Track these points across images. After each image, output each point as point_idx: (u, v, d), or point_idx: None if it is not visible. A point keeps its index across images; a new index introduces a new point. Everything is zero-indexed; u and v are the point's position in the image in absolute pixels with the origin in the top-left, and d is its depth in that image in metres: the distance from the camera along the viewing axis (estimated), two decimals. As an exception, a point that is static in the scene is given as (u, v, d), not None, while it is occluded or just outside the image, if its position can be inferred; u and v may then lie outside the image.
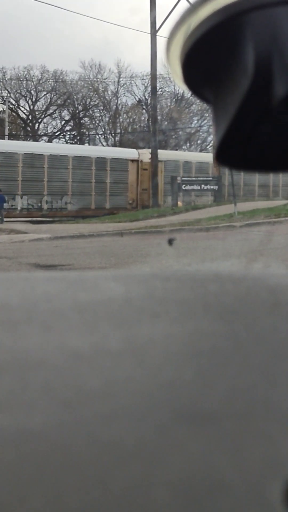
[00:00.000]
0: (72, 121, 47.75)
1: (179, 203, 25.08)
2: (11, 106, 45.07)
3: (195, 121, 46.60)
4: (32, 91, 46.37)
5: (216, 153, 0.62)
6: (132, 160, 28.53)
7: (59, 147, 29.34)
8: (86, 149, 30.25)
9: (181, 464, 0.37)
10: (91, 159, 27.49)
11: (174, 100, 47.24)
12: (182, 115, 46.05)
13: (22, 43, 59.26)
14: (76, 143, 44.68)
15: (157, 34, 24.22)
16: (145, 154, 28.54)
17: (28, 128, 46.97)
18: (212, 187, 25.23)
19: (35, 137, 44.90)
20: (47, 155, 26.00)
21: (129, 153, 29.42)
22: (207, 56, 0.59)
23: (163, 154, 28.52)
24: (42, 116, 47.21)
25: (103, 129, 48.22)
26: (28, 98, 46.67)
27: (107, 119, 47.92)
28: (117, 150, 30.63)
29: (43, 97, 46.71)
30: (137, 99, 47.98)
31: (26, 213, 25.73)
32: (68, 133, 48.17)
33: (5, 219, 22.46)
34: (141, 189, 28.14)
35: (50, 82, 46.17)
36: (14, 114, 46.11)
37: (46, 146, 28.06)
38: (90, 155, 27.74)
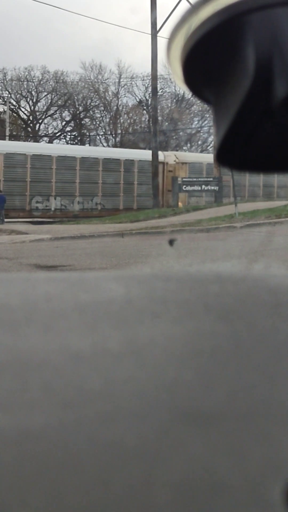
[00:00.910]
0: (72, 121, 47.76)
1: (180, 204, 25.12)
2: (12, 106, 45.09)
3: (196, 122, 46.64)
4: (32, 92, 46.41)
5: (217, 153, 0.63)
6: (158, 162, 28.81)
7: (90, 150, 30.15)
8: (115, 151, 30.98)
9: (181, 464, 0.37)
10: (120, 161, 28.15)
11: (174, 100, 47.27)
12: (183, 116, 46.06)
13: (22, 44, 59.31)
14: (76, 143, 44.68)
15: (158, 34, 24.22)
16: (170, 157, 29.33)
17: (29, 129, 46.98)
18: (212, 187, 25.24)
19: (36, 138, 44.90)
20: (79, 157, 26.76)
21: (155, 155, 29.82)
22: (208, 57, 0.59)
23: (187, 156, 29.18)
24: (43, 117, 47.24)
25: (103, 130, 48.26)
26: (28, 98, 46.72)
27: (107, 119, 47.96)
28: (144, 152, 31.19)
29: (43, 98, 46.77)
30: (138, 100, 48.02)
31: (59, 213, 26.37)
32: (69, 134, 48.22)
33: (41, 219, 22.85)
34: (166, 190, 28.59)
35: (50, 83, 46.22)
36: (15, 114, 46.12)
37: (78, 149, 29.18)
38: (119, 157, 28.41)
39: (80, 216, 25.62)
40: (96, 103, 47.73)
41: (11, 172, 25.52)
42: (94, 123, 48.56)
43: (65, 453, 0.38)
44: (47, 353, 0.56)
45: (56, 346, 0.59)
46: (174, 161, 29.16)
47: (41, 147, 28.29)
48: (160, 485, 0.35)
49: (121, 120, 48.03)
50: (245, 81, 0.56)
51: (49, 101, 46.68)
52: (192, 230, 14.87)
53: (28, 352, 0.57)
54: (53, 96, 46.45)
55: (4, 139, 36.03)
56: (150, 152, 25.83)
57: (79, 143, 44.68)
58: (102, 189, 27.35)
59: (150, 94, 34.31)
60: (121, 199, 28.02)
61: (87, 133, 48.08)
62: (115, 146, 42.85)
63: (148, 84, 43.18)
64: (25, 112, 47.23)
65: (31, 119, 47.11)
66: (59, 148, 28.86)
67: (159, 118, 35.73)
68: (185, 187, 24.94)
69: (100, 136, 47.57)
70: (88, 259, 10.23)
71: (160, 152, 29.60)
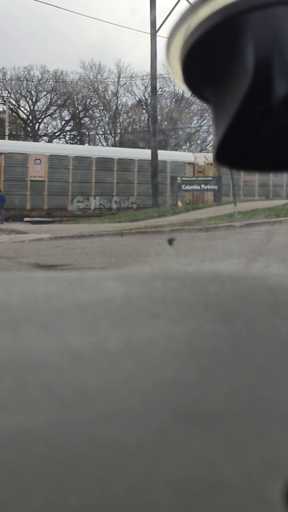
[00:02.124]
0: (72, 121, 47.77)
1: (179, 203, 25.17)
2: (12, 106, 45.09)
3: (195, 121, 46.65)
4: (32, 91, 46.42)
5: (216, 153, 0.62)
6: (189, 163, 30.58)
7: (126, 152, 31.35)
8: (149, 153, 31.86)
9: (181, 464, 0.37)
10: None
11: (174, 100, 47.27)
12: (182, 115, 46.06)
13: (22, 43, 59.29)
14: (76, 143, 44.68)
15: (157, 34, 24.22)
16: (200, 158, 30.80)
17: (28, 129, 46.98)
18: (212, 187, 25.28)
19: (36, 137, 44.90)
20: (116, 159, 27.90)
21: (186, 156, 31.73)
22: (207, 56, 0.59)
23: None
24: (42, 116, 47.25)
25: (103, 129, 48.26)
26: (28, 98, 46.73)
27: (107, 119, 47.96)
28: (175, 154, 33.05)
29: (43, 97, 46.79)
30: (137, 99, 48.03)
31: (98, 212, 27.36)
32: (68, 133, 48.21)
33: (80, 217, 23.79)
34: None
35: (50, 82, 46.23)
36: (14, 114, 46.12)
37: (115, 151, 30.65)
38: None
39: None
40: (96, 103, 47.78)
41: (54, 173, 26.67)
42: (94, 122, 48.60)
43: (65, 453, 0.38)
44: (46, 352, 0.56)
45: (56, 345, 0.59)
46: (204, 162, 30.48)
47: (82, 149, 29.78)
48: (160, 485, 0.35)
49: (121, 120, 48.06)
50: (245, 80, 0.56)
51: (49, 100, 46.74)
52: (191, 230, 14.87)
53: (27, 351, 0.57)
54: (52, 95, 46.50)
55: (3, 138, 36.32)
56: (180, 153, 26.74)
57: (78, 143, 44.66)
58: (137, 189, 28.41)
59: (150, 94, 34.37)
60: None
61: (87, 133, 48.09)
62: (114, 145, 42.84)
63: (147, 84, 43.22)
64: (25, 111, 47.29)
65: (30, 118, 47.11)
66: (98, 150, 30.16)
67: (159, 117, 35.79)
68: (184, 187, 24.97)
69: (100, 135, 47.60)
70: (88, 258, 10.23)
71: (190, 154, 31.90)
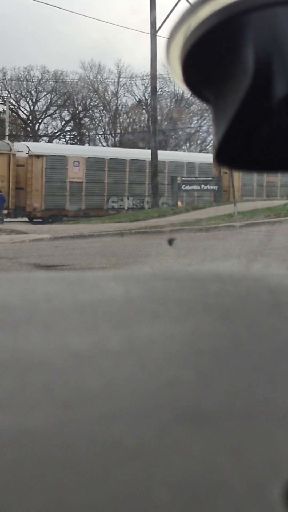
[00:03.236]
0: (72, 121, 47.76)
1: (179, 203, 25.20)
2: (12, 106, 45.09)
3: (195, 121, 46.64)
4: (32, 92, 46.41)
5: (216, 153, 0.62)
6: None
7: (158, 154, 32.35)
8: (179, 155, 33.77)
9: (181, 464, 0.37)
10: (183, 164, 30.36)
11: (174, 100, 47.26)
12: (182, 115, 46.06)
13: (22, 44, 59.28)
14: (76, 143, 44.69)
15: (157, 34, 24.21)
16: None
17: (28, 129, 46.98)
18: (212, 187, 25.30)
19: (36, 137, 44.90)
20: (148, 161, 28.50)
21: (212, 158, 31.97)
22: (207, 57, 0.59)
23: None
24: (43, 117, 47.24)
25: (103, 130, 48.25)
26: (28, 98, 46.73)
27: (107, 119, 47.96)
28: (203, 155, 33.81)
29: (43, 98, 46.78)
30: (137, 100, 48.01)
31: (131, 211, 28.22)
32: (68, 133, 48.21)
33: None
34: (222, 191, 30.46)
35: (50, 83, 46.22)
36: (15, 114, 46.11)
37: (148, 153, 31.42)
38: (182, 160, 30.81)
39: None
40: (96, 103, 47.76)
41: (91, 174, 27.73)
42: (94, 122, 48.60)
43: (65, 453, 0.38)
44: (46, 353, 0.56)
45: (56, 345, 0.59)
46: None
47: (116, 152, 30.63)
48: (160, 485, 0.35)
49: (121, 120, 48.06)
50: (245, 80, 0.56)
51: (49, 100, 46.73)
52: (191, 230, 14.87)
53: (27, 352, 0.57)
54: (52, 95, 46.49)
55: (3, 138, 36.52)
56: (207, 155, 27.56)
57: (78, 143, 44.67)
58: (167, 190, 29.00)
59: (150, 94, 34.39)
60: (184, 199, 29.58)
61: (87, 133, 48.09)
62: (114, 145, 42.85)
63: (147, 84, 43.19)
64: (25, 111, 47.29)
65: (30, 118, 47.12)
66: (131, 153, 31.02)
67: (158, 117, 35.82)
68: (184, 187, 25.00)
69: (100, 135, 47.59)
70: (88, 258, 10.23)
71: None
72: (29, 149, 27.03)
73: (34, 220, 25.64)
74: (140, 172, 28.78)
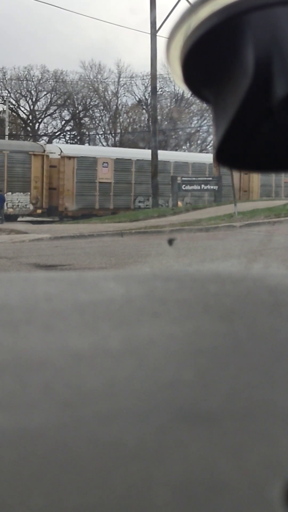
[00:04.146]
0: (72, 121, 47.75)
1: (179, 203, 25.22)
2: (11, 106, 45.08)
3: (195, 121, 46.64)
4: (32, 91, 46.41)
5: (216, 153, 0.62)
6: None
7: (182, 155, 34.60)
8: (203, 156, 34.52)
9: (181, 464, 0.37)
10: (205, 166, 31.44)
11: (174, 100, 47.25)
12: (182, 115, 46.06)
13: (22, 43, 59.28)
14: (76, 143, 44.67)
15: (157, 34, 24.19)
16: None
17: (28, 128, 46.96)
18: (212, 187, 25.31)
19: (35, 137, 44.88)
20: (173, 162, 30.27)
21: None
22: (207, 56, 0.59)
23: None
24: (42, 116, 47.24)
25: (103, 129, 48.25)
26: (28, 98, 46.72)
27: (107, 119, 47.95)
28: (210, 156, 35.22)
29: (43, 97, 46.78)
30: (137, 99, 48.01)
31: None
32: (68, 133, 48.20)
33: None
34: (242, 191, 31.54)
35: (50, 82, 46.22)
36: (14, 114, 46.10)
37: (173, 155, 33.28)
38: (205, 162, 31.77)
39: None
40: (96, 103, 47.77)
41: (119, 175, 28.80)
42: (94, 122, 48.59)
43: (65, 453, 0.38)
44: (46, 353, 0.56)
45: (56, 346, 0.59)
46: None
47: (143, 153, 31.32)
48: (160, 485, 0.35)
49: (121, 120, 48.06)
50: (245, 80, 0.56)
51: (49, 100, 46.74)
52: (191, 230, 14.87)
53: (27, 352, 0.57)
54: (52, 95, 46.49)
55: (3, 138, 36.70)
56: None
57: (78, 143, 44.66)
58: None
59: (150, 94, 34.43)
60: (206, 199, 30.51)
61: (87, 133, 48.07)
62: (114, 145, 42.84)
63: (147, 84, 43.19)
64: (25, 111, 47.29)
65: (30, 118, 47.11)
66: (175, 156, 32.67)
67: (159, 117, 35.81)
68: (184, 187, 25.02)
69: (100, 135, 47.58)
70: (88, 258, 10.23)
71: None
72: (61, 151, 28.07)
73: (65, 218, 26.46)
74: (165, 173, 29.35)
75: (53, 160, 27.57)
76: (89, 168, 28.41)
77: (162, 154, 29.29)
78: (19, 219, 25.65)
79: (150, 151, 33.72)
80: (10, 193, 26.34)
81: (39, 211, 26.54)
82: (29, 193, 26.85)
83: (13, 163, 26.67)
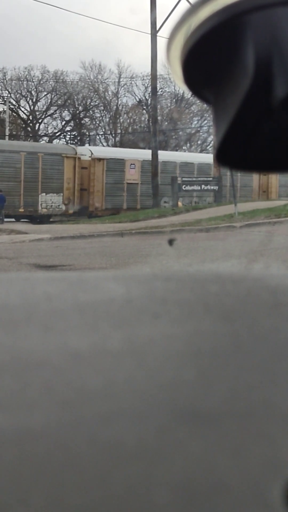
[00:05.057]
0: (72, 121, 47.75)
1: (179, 204, 25.25)
2: (12, 106, 45.09)
3: (195, 122, 46.63)
4: (32, 92, 46.40)
5: (216, 153, 0.62)
6: None
7: (205, 157, 34.27)
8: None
9: (181, 464, 0.37)
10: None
11: (174, 100, 47.25)
12: (182, 116, 46.06)
13: (22, 43, 59.26)
14: (76, 143, 44.69)
15: (158, 34, 24.20)
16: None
17: (29, 129, 46.96)
18: (212, 187, 25.34)
19: (36, 137, 44.90)
20: (197, 163, 30.93)
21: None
22: (207, 57, 0.59)
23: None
24: (43, 117, 47.23)
25: (103, 130, 48.25)
26: (28, 98, 46.71)
27: (107, 119, 47.94)
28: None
29: (43, 98, 46.76)
30: (138, 100, 48.00)
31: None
32: (69, 133, 48.20)
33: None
34: (261, 191, 32.60)
35: (50, 83, 46.19)
36: (15, 114, 46.10)
37: (196, 156, 33.92)
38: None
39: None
40: (96, 103, 47.75)
41: (145, 176, 29.23)
42: (94, 122, 48.58)
43: (65, 453, 0.38)
44: (46, 353, 0.56)
45: (56, 346, 0.59)
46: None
47: (168, 155, 32.37)
48: (160, 485, 0.35)
49: (121, 120, 48.04)
50: (245, 81, 0.56)
51: (49, 100, 46.71)
52: (191, 230, 14.87)
53: (27, 352, 0.57)
54: (53, 95, 46.48)
55: (4, 138, 36.88)
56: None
57: (78, 143, 44.67)
58: (229, 191, 30.47)
59: (150, 94, 34.47)
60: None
61: (87, 133, 48.08)
62: (114, 145, 42.84)
63: (147, 84, 43.18)
64: (25, 111, 47.27)
65: (30, 118, 47.10)
66: (181, 156, 33.55)
67: (159, 117, 35.85)
68: (184, 187, 25.05)
69: (100, 136, 47.58)
70: (88, 258, 10.23)
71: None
72: (92, 153, 28.98)
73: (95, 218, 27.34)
74: (188, 173, 29.98)
75: (84, 162, 28.37)
76: (117, 170, 29.11)
77: (167, 155, 29.74)
78: (51, 219, 26.38)
79: (174, 153, 34.11)
80: (44, 194, 27.25)
81: (70, 211, 27.43)
82: (61, 194, 27.70)
83: (47, 165, 27.50)
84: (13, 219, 25.37)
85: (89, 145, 44.05)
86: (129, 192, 29.46)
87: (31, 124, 47.13)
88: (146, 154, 30.68)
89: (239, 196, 28.89)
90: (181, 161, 31.50)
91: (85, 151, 29.26)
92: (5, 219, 23.96)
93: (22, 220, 25.54)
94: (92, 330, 0.64)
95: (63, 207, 27.79)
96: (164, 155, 30.42)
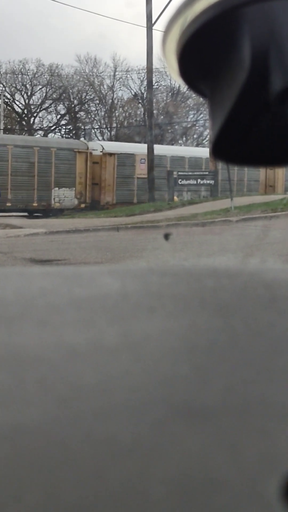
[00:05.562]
0: (67, 115, 47.66)
1: (175, 198, 25.24)
2: (6, 100, 44.97)
3: (192, 115, 46.58)
4: (27, 85, 46.26)
5: (213, 147, 0.62)
6: None
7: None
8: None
9: (178, 460, 0.37)
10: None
11: (170, 94, 47.19)
12: (178, 109, 46.02)
13: (17, 37, 59.08)
14: (71, 137, 44.61)
15: (153, 27, 24.14)
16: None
17: (24, 122, 46.87)
18: (208, 181, 25.35)
19: (31, 131, 44.80)
20: (204, 158, 31.02)
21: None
22: (203, 50, 0.59)
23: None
24: (38, 110, 47.11)
25: (98, 123, 48.18)
26: (23, 92, 46.58)
27: (102, 113, 47.87)
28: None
29: (38, 91, 46.64)
30: (133, 93, 47.93)
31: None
32: (64, 127, 48.12)
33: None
34: (268, 186, 32.99)
35: (45, 76, 46.07)
36: (9, 108, 45.99)
37: (204, 151, 34.27)
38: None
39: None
40: (91, 97, 47.65)
41: (156, 171, 29.16)
42: (89, 116, 48.49)
43: (61, 449, 0.38)
44: (42, 348, 0.56)
45: (52, 341, 0.59)
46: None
47: (177, 150, 33.35)
48: (156, 481, 0.35)
49: (116, 114, 47.97)
50: (241, 74, 0.56)
51: (44, 94, 46.60)
52: (187, 224, 14.87)
53: (23, 347, 0.57)
54: (48, 89, 46.36)
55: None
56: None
57: (74, 137, 44.59)
58: (237, 186, 30.68)
59: (146, 88, 34.36)
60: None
61: (82, 127, 48.00)
62: (110, 139, 42.78)
63: (143, 78, 43.09)
64: (20, 105, 47.15)
65: (25, 112, 46.99)
66: (190, 151, 33.92)
67: (155, 111, 35.84)
68: (180, 181, 25.05)
69: (96, 129, 47.51)
70: (83, 253, 10.23)
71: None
72: (103, 148, 29.40)
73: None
74: (196, 168, 30.39)
75: (95, 156, 28.80)
76: (128, 164, 29.57)
77: (177, 150, 30.16)
78: (64, 213, 26.74)
79: (183, 148, 34.26)
80: (57, 188, 27.71)
81: (82, 205, 27.86)
82: (74, 188, 28.19)
83: (60, 160, 27.96)
84: (25, 213, 25.71)
85: (84, 139, 44.03)
86: (139, 187, 29.88)
87: (26, 118, 47.03)
88: (156, 149, 31.21)
89: (246, 191, 29.09)
90: (190, 156, 31.92)
91: (96, 146, 29.67)
92: (17, 214, 24.40)
93: (35, 214, 25.83)
94: (88, 325, 0.64)
95: (76, 201, 28.20)
96: (173, 150, 31.06)
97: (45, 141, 30.64)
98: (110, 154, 29.17)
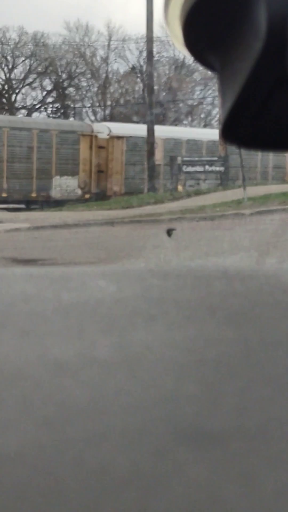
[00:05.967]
0: (55, 91, 47.74)
1: (179, 187, 25.32)
2: (-17, 74, 45.04)
3: (198, 92, 46.67)
4: (8, 57, 46.35)
5: (223, 128, 0.62)
6: None
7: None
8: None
9: (182, 492, 0.37)
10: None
11: (173, 67, 47.28)
12: (183, 85, 46.07)
13: (-4, 0, 59.09)
14: (59, 117, 44.70)
15: (154, -11, 24.19)
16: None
17: (4, 100, 46.93)
18: (217, 168, 25.42)
19: (12, 110, 44.86)
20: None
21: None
22: (212, 16, 0.59)
23: None
24: (20, 86, 47.19)
25: (91, 101, 48.26)
26: (3, 64, 46.67)
27: (95, 89, 47.94)
28: None
29: (21, 64, 46.71)
30: (131, 66, 48.01)
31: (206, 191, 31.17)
32: (51, 105, 48.19)
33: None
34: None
35: (29, 46, 46.16)
36: (-13, 83, 46.09)
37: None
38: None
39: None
40: (82, 70, 47.72)
41: (169, 156, 29.69)
42: (80, 93, 48.54)
43: (46, 479, 0.38)
44: (24, 362, 0.56)
45: (35, 354, 0.59)
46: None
47: (193, 132, 33.52)
48: (157, 517, 0.35)
49: (111, 90, 48.03)
50: (256, 43, 0.56)
51: (27, 67, 46.65)
52: (193, 218, 14.91)
53: (2, 361, 0.57)
54: (31, 61, 46.41)
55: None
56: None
57: (62, 116, 44.67)
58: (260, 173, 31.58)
59: (145, 59, 34.41)
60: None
61: (72, 105, 48.06)
62: (104, 119, 42.85)
63: (142, 48, 43.15)
64: (-1, 80, 47.19)
65: (6, 88, 47.04)
66: (208, 133, 33.76)
67: (155, 87, 35.85)
68: (185, 168, 25.12)
69: (87, 108, 47.58)
70: (73, 252, 10.25)
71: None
72: (110, 130, 29.40)
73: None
74: (215, 153, 30.34)
75: (101, 140, 28.83)
76: (138, 149, 29.47)
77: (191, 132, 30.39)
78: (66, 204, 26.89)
79: (197, 130, 34.61)
80: (58, 177, 27.80)
81: (87, 196, 27.92)
82: (77, 176, 28.27)
83: (62, 144, 28.05)
84: (23, 205, 25.81)
85: (74, 118, 44.10)
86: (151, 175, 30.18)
87: (6, 95, 47.08)
88: (169, 131, 31.36)
89: (271, 179, 29.17)
90: (208, 139, 32.06)
91: (103, 128, 29.62)
92: (12, 206, 24.46)
93: (32, 206, 25.92)
94: (78, 335, 0.64)
95: (79, 192, 28.26)
96: (188, 132, 31.28)
97: (45, 122, 30.66)
98: (118, 138, 29.13)
